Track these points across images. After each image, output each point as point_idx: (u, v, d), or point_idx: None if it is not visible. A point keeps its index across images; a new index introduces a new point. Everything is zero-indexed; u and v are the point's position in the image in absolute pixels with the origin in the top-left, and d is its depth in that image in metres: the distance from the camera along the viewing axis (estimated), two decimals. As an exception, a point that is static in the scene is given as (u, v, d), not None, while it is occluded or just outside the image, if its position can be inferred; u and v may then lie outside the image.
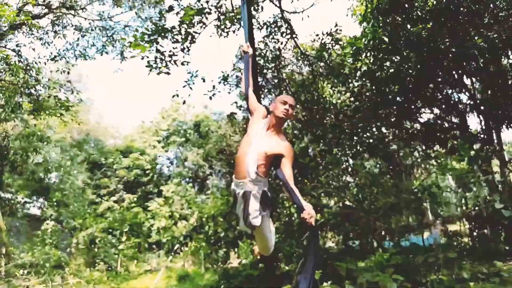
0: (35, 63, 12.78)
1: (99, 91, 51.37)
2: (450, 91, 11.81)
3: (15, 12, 11.08)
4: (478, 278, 5.92)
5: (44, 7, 13.05)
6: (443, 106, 12.24)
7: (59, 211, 14.57)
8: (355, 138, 9.40)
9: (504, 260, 9.63)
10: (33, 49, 12.80)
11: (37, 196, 22.69)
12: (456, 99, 12.13)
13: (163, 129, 27.13)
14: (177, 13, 7.21)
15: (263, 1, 9.29)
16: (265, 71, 12.82)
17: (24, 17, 11.74)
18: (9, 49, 12.75)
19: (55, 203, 14.21)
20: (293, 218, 7.17)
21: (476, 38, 8.59)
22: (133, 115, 60.03)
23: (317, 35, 10.20)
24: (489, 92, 11.15)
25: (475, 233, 15.34)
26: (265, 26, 10.26)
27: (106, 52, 14.34)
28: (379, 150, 10.20)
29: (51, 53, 13.52)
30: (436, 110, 12.81)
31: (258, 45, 12.01)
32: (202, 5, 7.22)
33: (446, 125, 12.44)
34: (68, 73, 13.82)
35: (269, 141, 3.08)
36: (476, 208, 16.98)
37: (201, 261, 13.24)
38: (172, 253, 14.80)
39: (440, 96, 11.87)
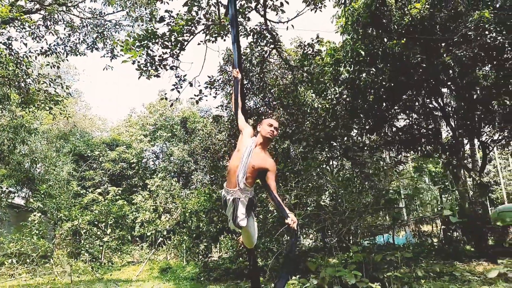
0: (26, 57, 13.04)
1: (87, 82, 51.17)
2: (426, 99, 12.46)
3: (8, 8, 11.33)
4: (430, 277, 6.60)
5: (36, 3, 13.30)
6: (420, 112, 12.91)
7: (43, 202, 14.85)
8: (332, 142, 9.99)
9: (468, 261, 10.43)
10: (25, 44, 13.02)
11: (22, 186, 22.84)
12: (431, 106, 12.81)
13: (150, 123, 27.40)
14: (168, 24, 7.66)
15: (249, 12, 9.74)
16: (250, 74, 13.40)
17: (16, 12, 11.99)
18: (0, 42, 12.93)
19: (42, 195, 14.48)
20: (268, 216, 7.76)
21: (444, 55, 9.26)
22: (120, 108, 59.88)
23: (299, 45, 10.75)
24: (461, 103, 11.89)
25: (441, 235, 16.22)
26: (251, 33, 10.75)
27: (97, 49, 14.65)
28: (353, 155, 10.83)
29: (41, 47, 13.77)
30: (414, 115, 13.52)
31: (245, 49, 12.56)
32: (191, 15, 7.68)
33: (422, 131, 13.15)
34: (58, 67, 14.11)
35: (256, 157, 3.71)
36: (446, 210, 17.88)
37: (183, 254, 13.74)
38: (155, 246, 15.25)
39: (417, 104, 12.55)
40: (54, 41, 14.03)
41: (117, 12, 13.69)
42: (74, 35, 14.46)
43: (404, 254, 6.46)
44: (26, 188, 23.43)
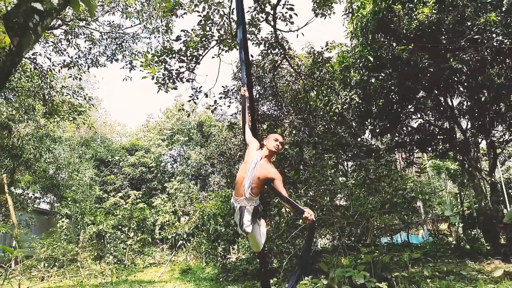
0: (50, 70, 13.79)
1: (105, 89, 52.51)
2: (439, 98, 12.56)
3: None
4: (437, 276, 6.89)
5: (58, 19, 14.00)
6: (433, 111, 13.00)
7: (68, 207, 15.59)
8: (340, 150, 10.31)
9: (482, 259, 10.58)
10: (49, 59, 13.73)
11: (46, 192, 23.85)
12: (444, 106, 12.90)
13: (167, 128, 28.10)
14: (184, 42, 8.15)
15: (260, 23, 10.16)
16: (263, 80, 13.81)
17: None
18: (25, 57, 13.67)
19: (69, 202, 15.24)
20: (281, 221, 8.15)
21: (451, 60, 9.47)
22: (138, 114, 61.17)
23: (309, 52, 11.10)
24: (471, 104, 12.03)
25: (460, 233, 16.25)
26: (263, 42, 11.16)
27: (116, 60, 15.30)
28: (360, 161, 11.10)
29: (64, 60, 14.49)
30: (427, 115, 13.62)
31: (258, 57, 12.98)
32: (205, 33, 8.15)
33: (435, 130, 13.25)
34: (80, 79, 14.84)
35: (261, 169, 4.03)
36: (466, 208, 17.94)
37: (202, 255, 14.26)
38: (176, 249, 15.84)
39: (429, 102, 12.66)
40: (76, 54, 14.74)
41: (134, 25, 14.25)
42: (94, 48, 15.14)
43: (412, 254, 6.76)
44: (51, 194, 24.46)
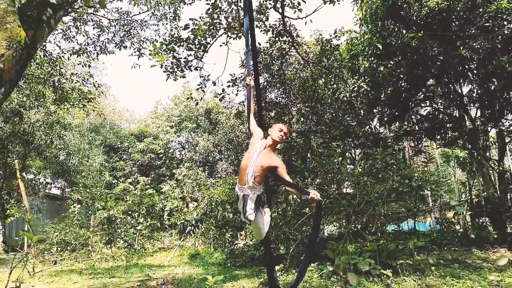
0: (59, 57, 13.91)
1: (114, 76, 52.67)
2: (449, 86, 12.43)
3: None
4: (442, 264, 6.99)
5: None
6: (443, 99, 12.89)
7: (80, 192, 15.90)
8: (347, 139, 10.34)
9: (488, 248, 10.65)
10: (59, 46, 13.81)
11: (58, 177, 24.30)
12: (453, 93, 12.78)
13: (175, 115, 28.24)
14: (192, 30, 8.17)
15: (269, 9, 10.11)
16: (271, 67, 13.79)
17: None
18: (36, 45, 13.77)
19: (80, 188, 15.54)
20: (288, 209, 8.27)
21: (461, 48, 9.37)
22: (147, 100, 61.40)
23: (317, 40, 11.04)
24: (481, 92, 11.92)
25: (468, 221, 16.26)
26: (271, 29, 11.12)
27: (124, 47, 15.34)
28: (366, 151, 11.11)
29: (73, 47, 14.58)
30: (436, 103, 13.52)
31: (266, 44, 12.94)
32: (213, 21, 8.16)
33: (445, 118, 13.17)
34: (89, 66, 14.94)
35: (264, 158, 4.13)
36: (475, 197, 17.92)
37: (210, 241, 14.51)
38: (185, 234, 16.12)
39: (439, 90, 12.55)
40: (85, 41, 14.79)
41: (143, 12, 14.23)
42: (103, 35, 15.17)
43: (417, 242, 6.86)
44: (62, 179, 24.90)
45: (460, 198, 21.20)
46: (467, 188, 20.78)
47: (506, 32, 9.24)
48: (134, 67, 14.67)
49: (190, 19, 8.13)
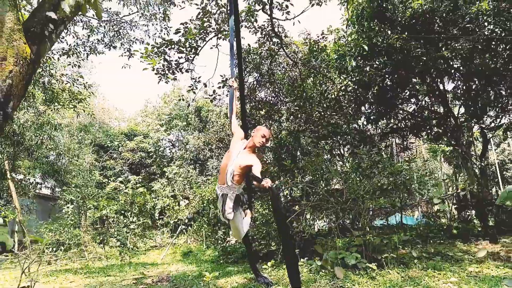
0: (49, 58, 13.92)
1: (103, 74, 52.30)
2: (432, 84, 12.76)
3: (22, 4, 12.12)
4: (424, 257, 7.36)
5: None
6: (427, 96, 13.24)
7: (71, 192, 15.98)
8: (334, 138, 10.65)
9: (474, 240, 11.10)
10: (48, 47, 13.80)
11: (47, 177, 24.23)
12: (440, 90, 13.11)
13: (165, 113, 28.32)
14: (183, 34, 8.37)
15: (257, 11, 10.34)
16: (260, 67, 14.03)
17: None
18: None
19: (72, 187, 15.63)
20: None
21: (443, 49, 9.74)
22: (136, 98, 61.17)
23: (305, 39, 11.31)
24: (462, 90, 12.33)
25: (453, 215, 16.73)
26: (259, 30, 11.35)
27: (114, 47, 15.40)
28: (352, 150, 11.44)
29: (63, 48, 14.59)
30: (420, 100, 13.86)
31: (255, 44, 13.17)
32: (203, 24, 8.36)
33: (430, 114, 13.53)
34: (79, 67, 14.99)
35: (243, 158, 4.28)
36: (460, 190, 18.42)
37: (203, 238, 14.76)
38: (177, 233, 16.35)
39: (424, 88, 12.88)
40: (74, 41, 14.81)
41: (132, 13, 14.31)
42: (92, 35, 15.20)
43: (401, 236, 7.21)
44: (52, 179, 24.84)
45: (446, 192, 21.79)
46: (453, 182, 21.38)
47: (486, 33, 9.62)
48: (124, 67, 14.86)
49: (182, 23, 8.33)
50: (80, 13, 12.01)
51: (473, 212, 14.89)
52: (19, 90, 3.26)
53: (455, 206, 14.24)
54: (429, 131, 13.73)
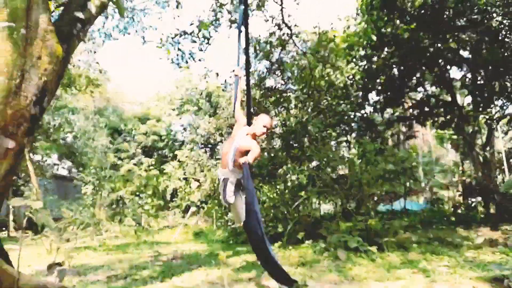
0: (66, 44, 14.33)
1: (116, 58, 52.79)
2: (438, 73, 12.84)
3: (51, 3, 12.53)
4: (423, 242, 7.73)
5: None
6: (436, 85, 13.32)
7: (90, 174, 16.61)
8: (341, 126, 10.95)
9: (476, 227, 11.39)
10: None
11: (63, 158, 25.02)
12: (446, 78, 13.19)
13: (177, 98, 28.73)
14: (197, 26, 8.69)
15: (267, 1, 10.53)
16: (270, 55, 14.25)
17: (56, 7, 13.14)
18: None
19: (91, 169, 16.27)
20: (285, 192, 8.97)
21: (450, 40, 9.87)
22: (149, 82, 61.63)
23: (315, 27, 11.50)
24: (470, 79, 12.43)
25: (458, 201, 16.99)
26: (271, 19, 11.56)
27: (128, 33, 15.74)
28: (369, 131, 11.73)
29: (79, 34, 14.96)
30: (430, 88, 13.95)
31: (266, 32, 13.38)
32: (216, 15, 8.66)
33: (439, 102, 13.65)
34: (95, 52, 15.41)
35: (244, 143, 4.36)
36: (466, 177, 18.59)
37: (214, 219, 15.32)
38: (188, 214, 16.96)
39: (433, 76, 12.97)
40: (91, 28, 15.15)
41: (146, 0, 14.59)
42: (107, 21, 15.53)
43: (401, 221, 7.58)
44: (68, 160, 25.65)
45: (452, 178, 21.96)
46: (460, 169, 21.54)
47: (494, 24, 9.71)
48: (139, 53, 15.25)
49: (196, 15, 8.66)
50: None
51: (479, 198, 15.14)
52: (52, 86, 3.67)
53: (459, 193, 14.51)
54: (435, 120, 13.90)
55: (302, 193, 8.08)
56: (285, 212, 8.66)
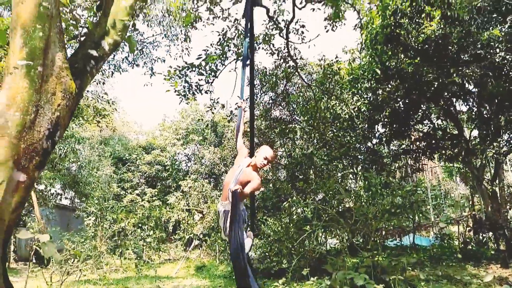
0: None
1: (124, 89, 53.83)
2: (444, 107, 12.89)
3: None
4: (432, 280, 7.53)
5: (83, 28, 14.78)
6: (440, 117, 13.35)
7: (94, 205, 16.53)
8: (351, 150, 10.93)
9: (486, 264, 11.10)
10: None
11: (66, 188, 25.00)
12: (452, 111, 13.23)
13: (182, 128, 28.99)
14: (204, 59, 8.90)
15: (274, 35, 10.81)
16: (276, 87, 14.49)
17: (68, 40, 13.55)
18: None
19: (94, 200, 16.21)
20: (290, 226, 8.85)
21: (454, 74, 9.99)
22: (155, 113, 62.48)
23: (320, 60, 11.73)
24: (475, 113, 12.48)
25: (468, 236, 16.59)
26: (276, 52, 11.81)
27: (137, 65, 16.11)
28: (375, 163, 11.68)
29: (89, 66, 15.30)
30: (436, 121, 13.95)
31: (272, 65, 13.67)
32: (223, 50, 8.88)
33: (445, 136, 13.60)
34: (103, 83, 15.72)
35: (245, 175, 4.28)
36: (474, 212, 18.28)
37: (216, 253, 15.05)
38: (191, 247, 16.70)
39: (439, 108, 12.97)
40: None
41: (156, 35, 15.04)
42: (116, 54, 15.94)
43: (409, 258, 7.41)
44: (71, 190, 25.61)
45: (462, 213, 21.58)
46: (470, 203, 21.17)
47: (497, 59, 9.85)
48: (147, 85, 15.53)
49: (203, 49, 8.88)
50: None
51: (490, 234, 14.79)
52: (65, 121, 3.72)
53: (469, 228, 14.22)
54: (442, 153, 13.84)
55: (307, 227, 7.97)
56: (290, 247, 8.50)
